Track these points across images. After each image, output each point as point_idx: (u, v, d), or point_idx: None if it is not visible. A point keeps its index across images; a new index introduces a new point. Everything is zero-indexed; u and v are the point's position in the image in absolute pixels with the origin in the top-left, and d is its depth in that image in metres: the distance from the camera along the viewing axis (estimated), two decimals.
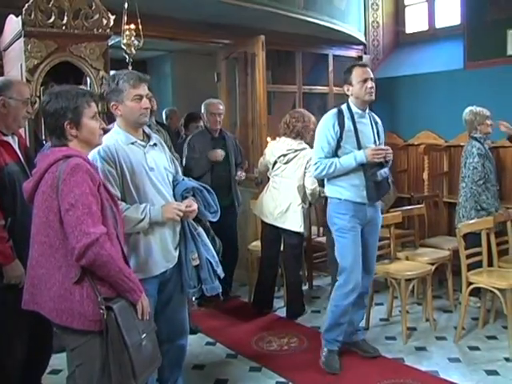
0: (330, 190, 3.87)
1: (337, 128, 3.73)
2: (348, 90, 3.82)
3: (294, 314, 4.85)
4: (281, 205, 4.67)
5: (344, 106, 3.84)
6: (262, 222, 4.90)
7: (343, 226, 3.77)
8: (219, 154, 4.91)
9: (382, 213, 4.84)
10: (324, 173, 3.75)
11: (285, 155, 4.68)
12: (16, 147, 3.03)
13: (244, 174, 5.06)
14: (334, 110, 3.85)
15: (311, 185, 4.62)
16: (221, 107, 5.04)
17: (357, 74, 3.77)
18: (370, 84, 3.75)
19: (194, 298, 3.16)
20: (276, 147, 4.78)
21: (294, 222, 4.65)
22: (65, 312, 2.26)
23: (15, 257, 2.88)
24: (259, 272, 4.99)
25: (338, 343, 3.89)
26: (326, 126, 3.77)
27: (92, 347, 2.29)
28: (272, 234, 4.83)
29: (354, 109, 3.81)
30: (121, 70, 2.99)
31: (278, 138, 4.87)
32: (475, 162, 4.73)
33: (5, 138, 2.97)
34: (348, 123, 3.75)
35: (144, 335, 2.38)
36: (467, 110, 4.95)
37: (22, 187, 2.84)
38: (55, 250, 2.28)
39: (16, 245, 2.89)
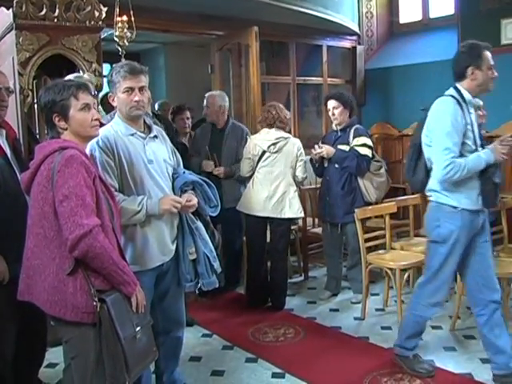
0: (442, 196, 3.30)
1: (463, 120, 3.17)
2: (472, 73, 3.22)
3: (282, 303, 4.85)
4: (275, 195, 4.62)
5: (455, 93, 3.27)
6: (248, 217, 4.78)
7: (453, 240, 3.26)
8: (208, 165, 4.92)
9: (377, 203, 4.88)
10: (457, 176, 3.13)
11: (275, 144, 4.64)
12: (2, 141, 3.00)
13: (221, 169, 4.92)
14: (450, 99, 3.24)
15: (303, 173, 4.73)
16: (211, 99, 5.02)
17: (487, 59, 3.23)
18: (495, 72, 3.26)
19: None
20: (262, 139, 4.70)
21: (293, 208, 4.65)
22: (58, 303, 2.26)
23: None
24: (248, 268, 4.94)
25: (417, 347, 3.60)
26: (454, 118, 3.17)
27: (86, 339, 2.29)
28: (259, 227, 4.76)
29: (468, 97, 3.27)
30: (121, 62, 2.97)
31: (265, 130, 4.74)
32: None
33: None
34: (467, 114, 3.23)
35: (138, 328, 2.38)
36: None
37: (6, 181, 2.83)
38: (50, 241, 2.28)
39: (1, 240, 2.83)
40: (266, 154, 4.66)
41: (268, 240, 4.89)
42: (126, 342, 2.28)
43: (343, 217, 4.75)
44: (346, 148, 4.72)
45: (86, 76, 3.59)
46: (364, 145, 4.69)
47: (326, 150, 4.75)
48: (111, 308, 2.26)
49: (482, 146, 3.30)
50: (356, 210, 4.47)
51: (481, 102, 4.84)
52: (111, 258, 2.27)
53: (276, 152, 4.65)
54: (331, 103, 4.80)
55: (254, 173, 4.74)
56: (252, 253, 4.88)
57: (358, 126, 4.84)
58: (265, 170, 4.68)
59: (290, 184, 4.68)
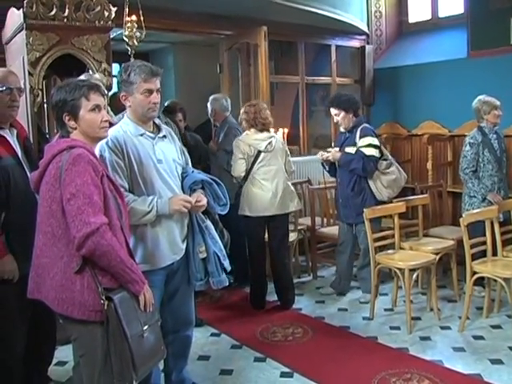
0: None
1: None
2: None
3: (292, 301, 4.88)
4: (278, 191, 4.65)
5: None
6: (250, 219, 4.70)
7: None
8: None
9: (391, 201, 4.88)
10: None
11: (270, 143, 4.67)
12: (13, 140, 3.02)
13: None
14: None
15: (292, 167, 4.87)
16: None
17: None
18: None
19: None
20: (255, 138, 4.68)
21: (294, 201, 4.76)
22: (66, 301, 2.28)
23: (7, 252, 2.87)
24: (253, 271, 4.86)
25: None
26: None
27: (93, 337, 2.30)
28: (262, 228, 4.77)
29: None
30: (135, 61, 2.96)
31: (250, 131, 4.72)
32: (466, 150, 4.88)
33: (0, 132, 2.95)
34: None
35: (146, 327, 2.38)
36: (477, 98, 4.95)
37: (16, 181, 2.86)
38: (57, 239, 2.30)
39: (11, 239, 2.88)
40: (262, 154, 4.66)
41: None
42: (133, 340, 2.28)
43: (356, 217, 4.77)
44: (352, 149, 4.73)
45: (97, 75, 3.59)
46: (369, 145, 4.68)
47: (332, 154, 4.81)
48: (118, 306, 2.26)
49: None
50: (365, 210, 4.48)
51: (498, 102, 4.85)
52: (118, 256, 2.27)
53: (271, 151, 4.68)
54: (332, 111, 4.85)
55: (248, 174, 4.70)
56: (256, 254, 4.83)
57: (364, 125, 4.83)
58: (263, 169, 4.68)
59: (287, 179, 4.80)
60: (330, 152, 4.82)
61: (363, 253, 4.88)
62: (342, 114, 4.76)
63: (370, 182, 4.74)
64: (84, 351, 2.40)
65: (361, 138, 4.71)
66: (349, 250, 5.03)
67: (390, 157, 4.91)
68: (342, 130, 4.93)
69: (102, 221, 2.24)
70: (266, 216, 4.67)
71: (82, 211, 2.21)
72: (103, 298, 2.25)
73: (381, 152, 4.78)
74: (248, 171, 4.69)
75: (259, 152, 4.67)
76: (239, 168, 4.69)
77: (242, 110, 4.80)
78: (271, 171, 4.69)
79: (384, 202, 4.80)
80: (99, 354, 2.30)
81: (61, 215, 2.27)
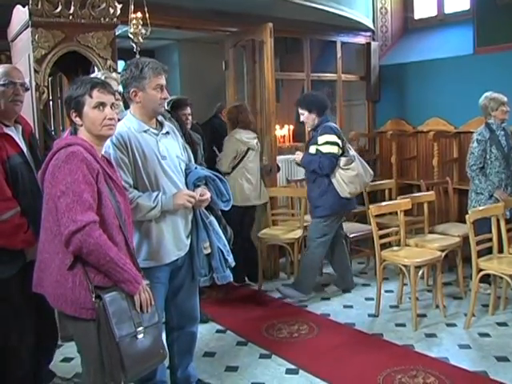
0: None
1: None
2: None
3: (257, 276, 5.36)
4: (258, 185, 5.29)
5: None
6: (239, 209, 5.01)
7: None
8: None
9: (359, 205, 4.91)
10: None
11: (257, 143, 5.27)
12: (18, 138, 3.03)
13: None
14: None
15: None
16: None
17: None
18: None
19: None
20: (247, 137, 5.19)
21: (265, 194, 5.39)
22: (60, 297, 2.30)
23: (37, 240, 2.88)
24: (248, 253, 5.33)
25: None
26: None
27: (87, 335, 2.30)
28: (241, 215, 5.21)
29: None
30: (143, 58, 2.97)
31: (237, 129, 5.21)
32: (473, 147, 4.87)
33: (6, 130, 2.95)
34: None
35: (140, 328, 2.33)
36: (484, 95, 4.93)
37: (24, 178, 2.89)
38: (54, 235, 2.32)
39: None
40: (250, 151, 5.21)
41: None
42: (124, 340, 2.25)
43: (314, 210, 4.89)
44: (314, 148, 4.77)
45: (113, 74, 3.57)
46: (326, 143, 4.69)
47: (297, 156, 5.00)
48: (107, 305, 2.24)
49: None
50: (370, 207, 4.50)
51: (505, 98, 4.84)
52: (107, 255, 2.25)
53: (257, 149, 5.28)
54: (299, 110, 4.91)
55: (235, 167, 5.20)
56: (247, 238, 5.41)
57: (325, 124, 4.81)
58: (250, 165, 5.24)
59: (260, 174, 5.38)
60: (297, 155, 4.99)
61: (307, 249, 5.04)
62: (306, 113, 4.82)
63: (333, 179, 4.73)
64: (81, 348, 2.42)
65: (319, 136, 4.74)
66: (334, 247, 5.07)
67: (352, 153, 4.84)
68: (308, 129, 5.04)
69: (89, 219, 2.23)
70: (248, 205, 5.24)
71: (70, 209, 2.22)
72: (93, 296, 2.25)
73: (342, 148, 4.76)
74: (236, 165, 5.20)
75: (248, 149, 5.17)
76: (228, 164, 5.21)
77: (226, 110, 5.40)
78: (254, 168, 5.26)
79: (347, 199, 4.78)
80: (94, 351, 2.29)
81: (55, 212, 2.29)
